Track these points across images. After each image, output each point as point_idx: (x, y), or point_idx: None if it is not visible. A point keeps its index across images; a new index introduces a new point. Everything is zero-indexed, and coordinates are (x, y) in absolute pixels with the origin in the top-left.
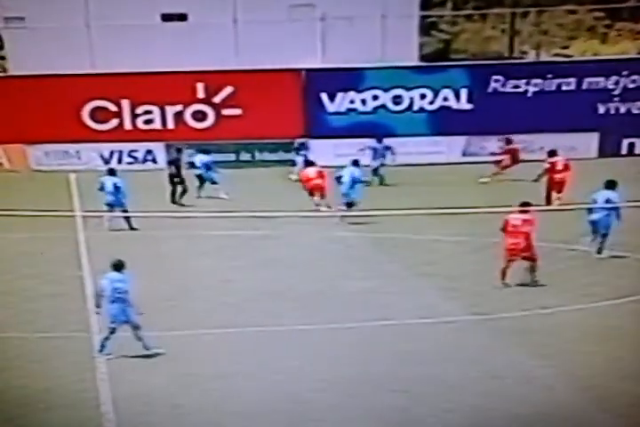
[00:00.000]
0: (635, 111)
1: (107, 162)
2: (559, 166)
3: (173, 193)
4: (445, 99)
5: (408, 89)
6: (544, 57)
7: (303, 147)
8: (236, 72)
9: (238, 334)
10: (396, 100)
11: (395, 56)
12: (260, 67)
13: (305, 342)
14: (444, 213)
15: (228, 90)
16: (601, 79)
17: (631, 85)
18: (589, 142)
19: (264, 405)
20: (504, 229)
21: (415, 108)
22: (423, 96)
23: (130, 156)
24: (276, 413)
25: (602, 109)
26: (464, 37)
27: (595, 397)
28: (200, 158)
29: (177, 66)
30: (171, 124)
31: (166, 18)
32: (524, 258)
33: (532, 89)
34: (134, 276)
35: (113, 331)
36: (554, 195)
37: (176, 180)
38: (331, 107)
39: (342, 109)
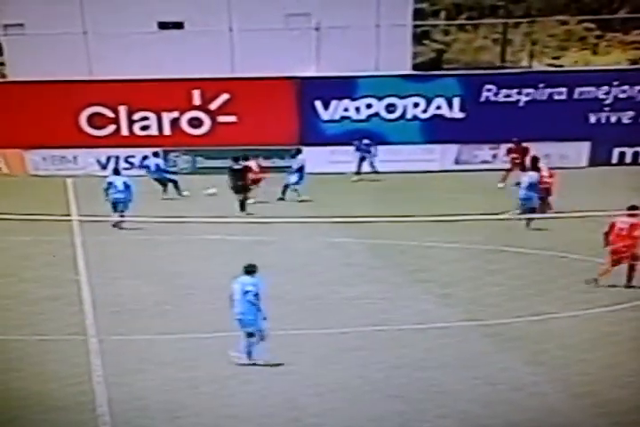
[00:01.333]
0: (625, 121)
1: (104, 167)
2: (543, 173)
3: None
4: (438, 107)
5: (401, 97)
6: (536, 67)
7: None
8: (232, 80)
9: (233, 339)
10: (390, 108)
11: (388, 65)
12: (256, 74)
13: (301, 346)
14: (439, 220)
15: (224, 97)
16: (592, 89)
17: (622, 95)
18: (580, 151)
19: (260, 409)
20: (609, 233)
21: (408, 116)
22: (416, 104)
23: (126, 161)
24: (271, 417)
25: (593, 119)
26: (457, 47)
27: (589, 404)
28: (154, 162)
29: (174, 73)
30: (167, 131)
31: (163, 26)
32: (628, 260)
33: (523, 98)
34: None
35: (250, 335)
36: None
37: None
38: (325, 114)
39: (336, 117)
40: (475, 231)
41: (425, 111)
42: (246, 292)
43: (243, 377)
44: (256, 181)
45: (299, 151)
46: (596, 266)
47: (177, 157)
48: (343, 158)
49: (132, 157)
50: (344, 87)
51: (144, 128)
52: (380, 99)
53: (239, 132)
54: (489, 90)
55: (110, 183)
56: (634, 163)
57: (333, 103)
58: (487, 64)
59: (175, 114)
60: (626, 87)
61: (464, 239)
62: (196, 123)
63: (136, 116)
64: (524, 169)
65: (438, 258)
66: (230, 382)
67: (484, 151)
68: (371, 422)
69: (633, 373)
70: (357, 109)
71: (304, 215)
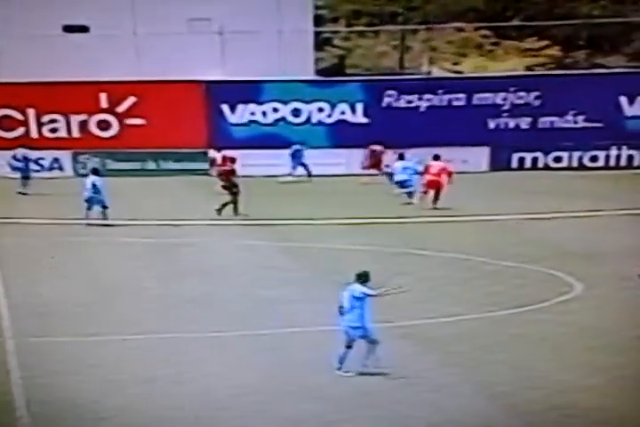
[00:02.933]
0: (523, 126)
1: (14, 169)
2: (433, 170)
3: None
4: (342, 112)
5: (306, 102)
6: (435, 73)
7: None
8: (138, 83)
9: (157, 341)
10: (296, 112)
11: (292, 70)
12: (162, 78)
13: (222, 348)
14: (349, 223)
15: (131, 100)
16: (490, 95)
17: (519, 101)
18: (480, 156)
19: (186, 410)
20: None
21: (314, 120)
22: (321, 109)
23: (36, 163)
24: (198, 418)
25: (492, 124)
26: (358, 53)
27: (503, 404)
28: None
29: (81, 76)
30: (76, 133)
31: (68, 29)
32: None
33: (424, 104)
34: None
35: (350, 346)
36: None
37: None
38: (232, 118)
39: (244, 121)
40: (383, 234)
41: (330, 116)
42: (354, 298)
43: (169, 379)
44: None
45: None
46: (502, 268)
47: (86, 159)
48: (253, 162)
49: (43, 159)
50: (250, 91)
51: (53, 130)
52: (285, 103)
53: (147, 134)
54: (390, 95)
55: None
56: (533, 168)
57: (240, 107)
58: (388, 70)
59: (83, 116)
60: (522, 93)
61: (373, 242)
62: (104, 125)
63: (45, 119)
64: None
65: (349, 260)
66: (156, 384)
67: (389, 156)
68: (291, 424)
69: (543, 373)
70: (264, 113)
71: (220, 218)
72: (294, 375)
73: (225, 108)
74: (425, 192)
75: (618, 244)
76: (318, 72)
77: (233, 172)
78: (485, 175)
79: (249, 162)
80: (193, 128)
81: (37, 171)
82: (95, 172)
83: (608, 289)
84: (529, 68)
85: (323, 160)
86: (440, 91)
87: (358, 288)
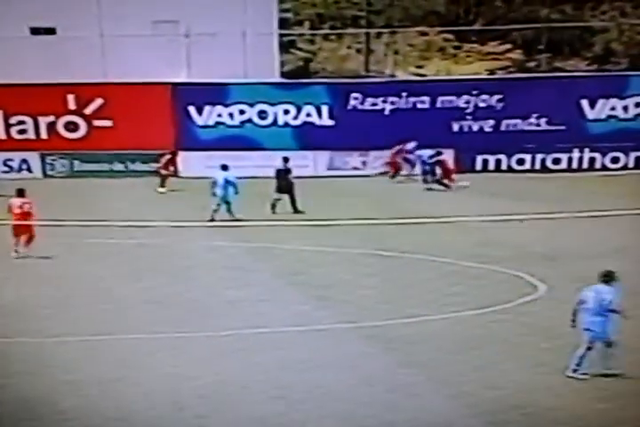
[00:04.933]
0: (487, 129)
1: None
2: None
3: None
4: (308, 115)
5: (272, 104)
6: (399, 76)
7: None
8: (106, 85)
9: (118, 341)
10: (262, 114)
11: (257, 72)
12: (129, 80)
13: (183, 349)
14: (314, 225)
15: (99, 102)
16: (453, 98)
17: (482, 104)
18: (446, 158)
19: (146, 411)
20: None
21: (280, 122)
22: (287, 111)
23: (5, 165)
24: (157, 418)
25: (456, 127)
26: (322, 56)
27: (463, 404)
28: None
29: (49, 78)
30: (44, 135)
31: (35, 31)
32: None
33: (388, 107)
34: None
35: (590, 348)
36: None
37: None
38: (199, 120)
39: (211, 123)
40: (347, 235)
41: (296, 118)
42: (603, 301)
43: (129, 380)
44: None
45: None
46: (466, 269)
47: (54, 160)
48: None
49: (11, 160)
50: (216, 93)
51: (21, 132)
52: (251, 105)
53: (115, 136)
54: (355, 98)
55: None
56: (497, 170)
57: (207, 109)
58: (352, 73)
59: (51, 118)
60: (485, 96)
61: (338, 243)
62: (72, 127)
63: (12, 120)
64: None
65: (313, 261)
66: (116, 385)
67: (354, 158)
68: (253, 423)
69: (504, 373)
70: (231, 115)
71: (186, 219)
72: (256, 376)
73: (192, 109)
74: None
75: (580, 245)
76: (284, 74)
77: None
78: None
79: (216, 164)
80: (160, 130)
81: (6, 172)
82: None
83: (570, 291)
84: (491, 71)
85: (290, 162)
86: (404, 94)
87: (604, 290)
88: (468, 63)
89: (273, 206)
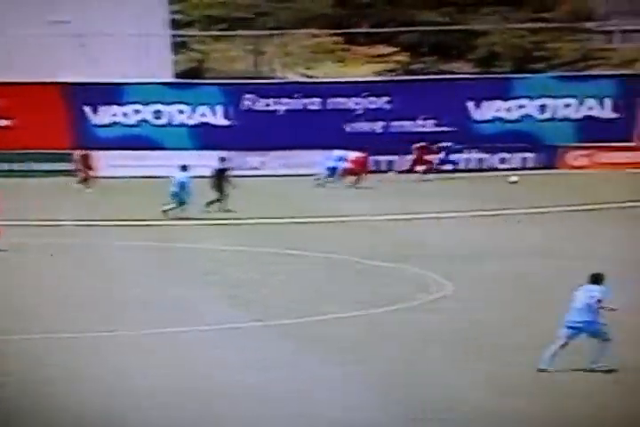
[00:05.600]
0: (377, 130)
1: None
2: None
3: None
4: (203, 114)
5: (166, 104)
6: (291, 77)
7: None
8: (3, 84)
9: (54, 341)
10: (157, 114)
11: (152, 73)
12: (26, 80)
13: (100, 349)
14: (226, 224)
15: None
16: (344, 100)
17: (371, 106)
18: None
19: (86, 410)
20: None
21: (175, 122)
22: (181, 111)
23: None
24: (98, 418)
25: (348, 128)
26: (214, 57)
27: (389, 401)
28: None
29: None
30: None
31: None
32: None
33: (281, 108)
34: None
35: (565, 345)
36: None
37: None
38: (95, 119)
39: (107, 122)
40: (259, 234)
41: (190, 118)
42: (591, 299)
43: (67, 378)
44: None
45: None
46: (375, 268)
47: None
48: (121, 162)
49: None
50: (111, 93)
51: None
52: (146, 105)
53: (14, 136)
54: (249, 99)
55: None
56: (389, 170)
57: (102, 108)
58: (244, 74)
59: None
60: (374, 98)
61: (250, 242)
62: None
63: None
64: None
65: (227, 261)
66: (55, 384)
67: (253, 158)
68: (192, 423)
69: (415, 369)
70: (126, 115)
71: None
72: (175, 375)
73: (87, 109)
74: None
75: (484, 244)
76: (177, 75)
77: None
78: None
79: (117, 163)
80: (58, 129)
81: None
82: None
83: (476, 289)
84: (379, 73)
85: (189, 162)
86: (296, 95)
87: (593, 288)
88: (356, 65)
89: (210, 203)
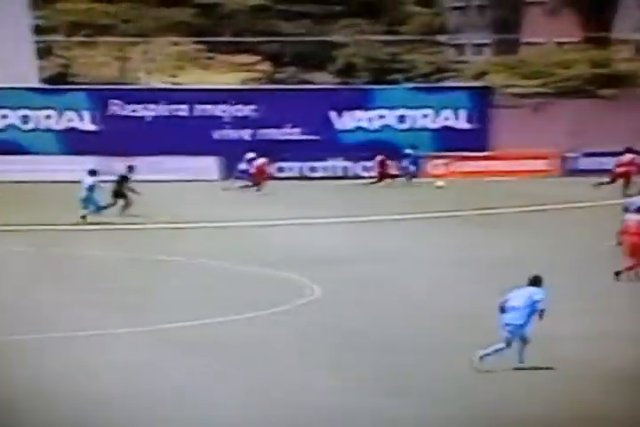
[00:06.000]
0: (246, 138)
1: None
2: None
3: None
4: (70, 120)
5: (34, 109)
6: (157, 84)
7: None
8: None
9: None
10: (25, 119)
11: (18, 78)
12: None
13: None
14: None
15: None
16: (211, 107)
17: (238, 114)
18: (211, 165)
19: None
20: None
21: (43, 127)
22: (49, 116)
23: None
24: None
25: (216, 135)
26: (80, 62)
27: (253, 404)
28: None
29: None
30: None
31: None
32: None
33: (148, 114)
34: None
35: (509, 344)
36: None
37: None
38: None
39: None
40: (133, 240)
41: (58, 123)
42: (530, 300)
43: None
44: None
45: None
46: (246, 273)
47: None
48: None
49: None
50: None
51: None
52: (13, 110)
53: None
54: (115, 104)
55: None
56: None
57: None
58: (110, 79)
59: None
60: (240, 106)
61: (125, 248)
62: None
63: None
64: None
65: (90, 266)
66: None
67: (119, 163)
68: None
69: (290, 373)
70: None
71: None
72: (66, 380)
73: None
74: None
75: (351, 249)
76: (44, 80)
77: None
78: (218, 184)
79: None
80: None
81: None
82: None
83: (344, 292)
84: (245, 82)
85: (57, 166)
86: (163, 101)
87: (533, 290)
88: (221, 73)
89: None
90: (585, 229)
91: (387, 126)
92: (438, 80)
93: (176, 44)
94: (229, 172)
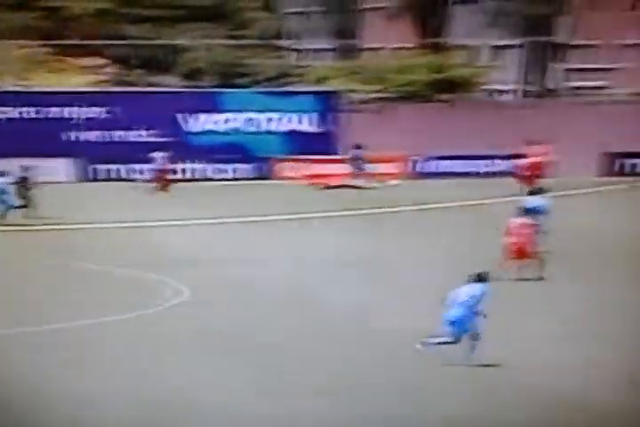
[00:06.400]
0: (100, 140)
1: None
2: None
3: None
4: None
5: None
6: (6, 86)
7: None
8: None
9: None
10: None
11: None
12: None
13: None
14: None
15: None
16: (61, 109)
17: (90, 116)
18: (64, 167)
19: None
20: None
21: None
22: None
23: None
24: None
25: (65, 137)
26: None
27: (140, 403)
28: None
29: None
30: None
31: None
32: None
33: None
34: None
35: (456, 341)
36: None
37: None
38: None
39: None
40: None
41: None
42: (473, 297)
43: None
44: None
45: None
46: (116, 275)
47: None
48: None
49: None
50: None
51: None
52: None
53: None
54: None
55: None
56: (117, 179)
57: None
58: None
59: None
60: (92, 108)
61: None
62: None
63: None
64: None
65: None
66: None
67: None
68: None
69: (164, 375)
70: None
71: None
72: None
73: None
74: None
75: (221, 250)
76: None
77: None
78: (75, 186)
79: None
80: None
81: None
82: None
83: (214, 293)
84: (94, 84)
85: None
86: (12, 103)
87: (475, 287)
88: (70, 76)
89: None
90: (439, 231)
91: (236, 129)
92: (283, 84)
93: (23, 47)
94: (85, 174)
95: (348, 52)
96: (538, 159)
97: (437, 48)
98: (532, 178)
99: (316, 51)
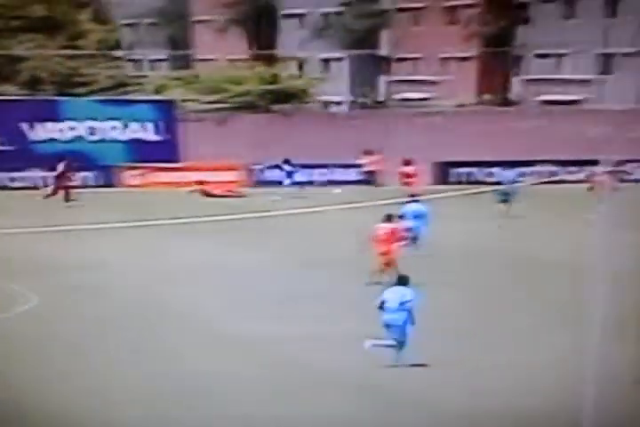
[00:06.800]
0: None
1: None
2: None
3: None
4: None
5: None
6: None
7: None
8: None
9: None
10: None
11: None
12: None
13: None
14: None
15: None
16: None
17: None
18: None
19: None
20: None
21: None
22: None
23: None
24: None
25: None
26: None
27: (18, 405)
28: None
29: None
30: None
31: None
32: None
33: None
34: None
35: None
36: None
37: None
38: None
39: None
40: None
41: None
42: (404, 301)
43: None
44: None
45: None
46: None
47: None
48: None
49: None
50: None
51: None
52: None
53: None
54: None
55: None
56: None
57: None
58: None
59: None
60: None
61: None
62: None
63: None
64: None
65: None
66: None
67: None
68: None
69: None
70: None
71: None
72: None
73: None
74: None
75: (69, 257)
76: None
77: None
78: None
79: None
80: None
81: None
82: None
83: (62, 299)
84: None
85: None
86: None
87: (403, 290)
88: None
89: None
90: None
91: (78, 137)
92: (122, 94)
93: None
94: None
95: (181, 63)
96: (378, 167)
97: (269, 60)
98: (409, 184)
99: (151, 61)
